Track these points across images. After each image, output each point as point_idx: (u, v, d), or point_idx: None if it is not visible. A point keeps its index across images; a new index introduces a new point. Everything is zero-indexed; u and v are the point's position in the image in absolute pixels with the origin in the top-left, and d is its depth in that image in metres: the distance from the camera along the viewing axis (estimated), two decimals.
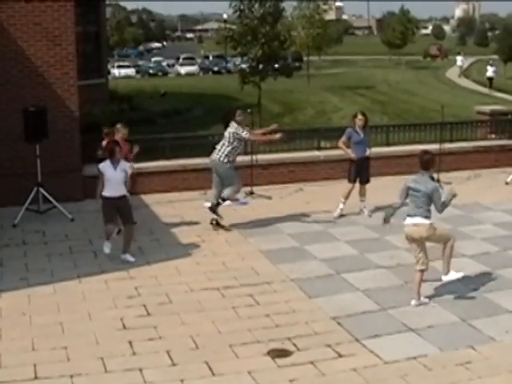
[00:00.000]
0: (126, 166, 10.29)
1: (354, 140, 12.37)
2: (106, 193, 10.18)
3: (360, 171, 12.45)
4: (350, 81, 54.12)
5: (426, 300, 8.81)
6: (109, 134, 11.46)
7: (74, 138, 13.42)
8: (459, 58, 63.17)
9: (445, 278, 9.01)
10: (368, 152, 12.56)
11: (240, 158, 12.63)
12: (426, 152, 8.94)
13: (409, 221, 8.78)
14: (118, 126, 11.53)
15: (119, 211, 10.31)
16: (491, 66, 48.72)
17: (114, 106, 26.77)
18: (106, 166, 10.15)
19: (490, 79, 48.32)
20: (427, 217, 8.73)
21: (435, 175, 14.52)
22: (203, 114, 32.34)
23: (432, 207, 8.77)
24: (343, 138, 12.52)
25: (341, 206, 12.44)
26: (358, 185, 12.60)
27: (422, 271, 8.76)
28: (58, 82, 13.17)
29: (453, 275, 8.98)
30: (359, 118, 12.39)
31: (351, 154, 12.40)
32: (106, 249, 10.37)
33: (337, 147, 13.25)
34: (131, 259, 10.30)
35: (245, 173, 13.65)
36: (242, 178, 12.15)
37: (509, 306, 8.59)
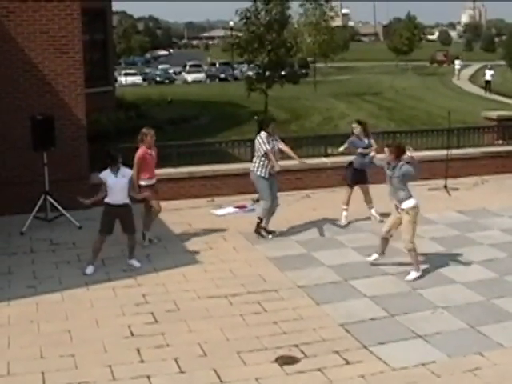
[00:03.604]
0: (126, 173, 10.20)
1: (361, 146, 12.31)
2: (109, 200, 10.12)
3: (358, 175, 12.42)
4: (357, 87, 54.16)
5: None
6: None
7: (81, 145, 13.45)
8: (457, 62, 66.73)
9: None
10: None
11: (244, 165, 12.70)
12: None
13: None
14: (144, 130, 11.26)
15: (121, 220, 10.22)
16: (489, 69, 51.47)
17: (121, 114, 26.87)
18: (106, 174, 10.09)
19: (488, 82, 50.96)
20: None
21: (443, 181, 14.66)
22: (210, 121, 32.43)
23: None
24: (345, 145, 12.58)
25: (344, 213, 12.41)
26: (360, 193, 12.55)
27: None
28: (66, 90, 13.21)
29: None
30: (354, 127, 12.48)
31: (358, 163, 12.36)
32: (89, 270, 10.08)
33: (343, 154, 13.26)
34: (137, 264, 10.31)
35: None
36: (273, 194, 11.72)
37: None
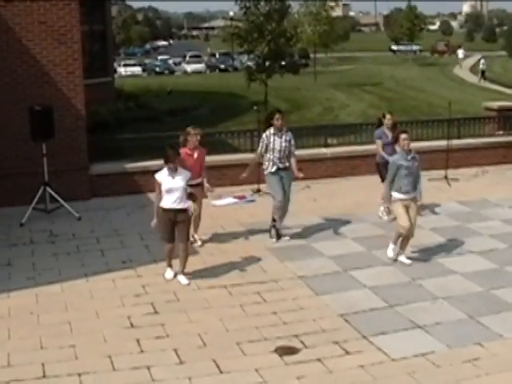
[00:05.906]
0: (184, 175, 9.27)
1: (384, 141, 11.95)
2: (164, 204, 9.20)
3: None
4: (357, 77, 54.07)
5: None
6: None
7: (80, 136, 13.42)
8: (460, 52, 68.22)
9: None
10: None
11: (244, 156, 12.64)
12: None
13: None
14: (189, 129, 10.80)
15: (175, 226, 9.26)
16: (482, 59, 55.70)
17: (121, 105, 26.82)
18: (162, 176, 9.19)
19: (483, 72, 53.57)
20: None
21: (443, 172, 14.63)
22: (210, 111, 32.31)
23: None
24: (378, 141, 12.12)
25: (381, 208, 12.03)
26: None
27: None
28: (64, 81, 13.17)
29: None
30: (388, 118, 12.10)
31: (387, 157, 11.34)
32: (168, 274, 9.53)
33: (344, 144, 13.22)
34: (185, 282, 9.36)
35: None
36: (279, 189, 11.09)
37: None
